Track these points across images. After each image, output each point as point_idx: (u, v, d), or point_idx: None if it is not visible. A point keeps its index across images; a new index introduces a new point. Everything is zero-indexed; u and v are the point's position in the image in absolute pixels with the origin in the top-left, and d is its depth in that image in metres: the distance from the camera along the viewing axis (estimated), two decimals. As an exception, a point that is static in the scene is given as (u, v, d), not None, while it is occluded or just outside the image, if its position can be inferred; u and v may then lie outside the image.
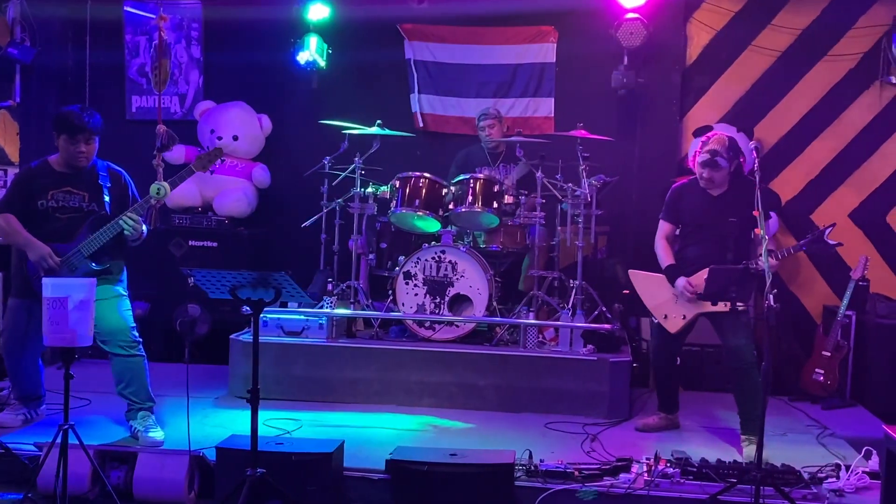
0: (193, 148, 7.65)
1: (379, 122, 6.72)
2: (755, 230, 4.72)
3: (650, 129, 7.56)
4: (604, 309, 6.43)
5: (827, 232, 5.06)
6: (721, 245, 5.31)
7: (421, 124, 7.81)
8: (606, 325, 6.27)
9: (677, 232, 5.66)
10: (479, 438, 5.48)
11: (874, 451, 4.83)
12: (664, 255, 5.58)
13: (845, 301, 6.41)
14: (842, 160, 7.36)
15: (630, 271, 5.81)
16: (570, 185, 6.47)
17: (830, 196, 7.38)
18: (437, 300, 6.41)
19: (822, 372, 6.46)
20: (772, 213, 5.42)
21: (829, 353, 6.46)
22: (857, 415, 6.32)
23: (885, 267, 7.26)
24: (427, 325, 6.45)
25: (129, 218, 5.04)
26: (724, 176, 5.33)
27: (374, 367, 6.24)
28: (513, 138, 6.75)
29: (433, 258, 6.41)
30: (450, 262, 6.40)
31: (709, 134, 5.49)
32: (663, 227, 5.66)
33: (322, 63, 7.49)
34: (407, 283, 6.44)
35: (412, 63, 7.81)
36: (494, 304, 6.38)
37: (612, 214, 7.05)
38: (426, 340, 6.40)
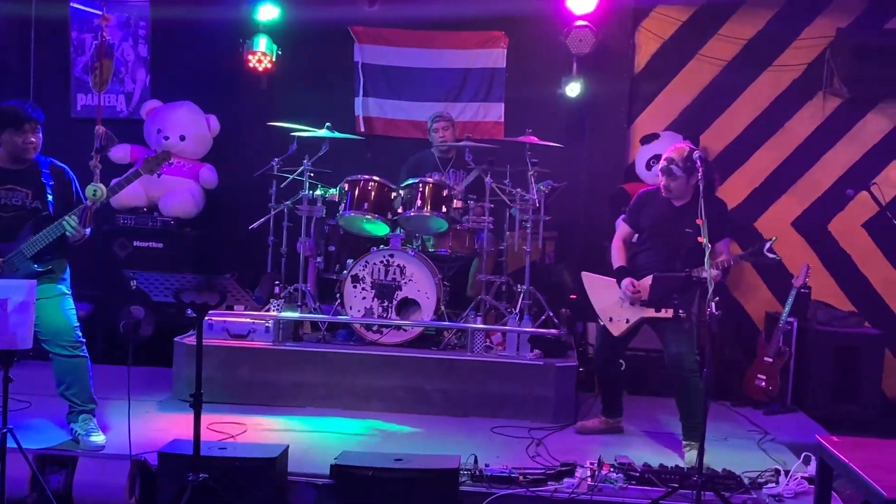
0: (139, 147, 7.57)
1: (328, 124, 6.68)
2: (699, 238, 4.75)
3: (598, 136, 7.64)
4: (551, 314, 6.46)
5: (767, 245, 5.10)
6: (673, 255, 5.32)
7: (363, 128, 7.80)
8: (553, 330, 6.31)
9: (636, 237, 5.68)
10: (426, 443, 5.48)
11: (813, 457, 4.91)
12: (617, 257, 5.59)
13: (787, 308, 6.51)
14: (785, 169, 7.50)
15: (583, 273, 5.83)
16: (518, 190, 6.50)
17: (774, 204, 7.51)
18: (385, 304, 6.39)
19: (764, 378, 6.55)
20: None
21: (770, 359, 6.56)
22: (797, 420, 6.43)
23: (827, 275, 7.41)
24: (374, 328, 6.43)
25: (72, 220, 4.94)
26: (682, 186, 5.30)
27: (320, 370, 6.20)
28: (462, 143, 6.76)
29: (381, 262, 6.40)
30: (398, 265, 6.39)
31: (676, 144, 5.51)
32: (622, 229, 5.68)
33: (271, 64, 7.45)
34: (355, 287, 6.41)
35: (360, 66, 7.81)
36: (442, 308, 6.39)
37: (559, 220, 7.11)
38: (373, 344, 6.38)
